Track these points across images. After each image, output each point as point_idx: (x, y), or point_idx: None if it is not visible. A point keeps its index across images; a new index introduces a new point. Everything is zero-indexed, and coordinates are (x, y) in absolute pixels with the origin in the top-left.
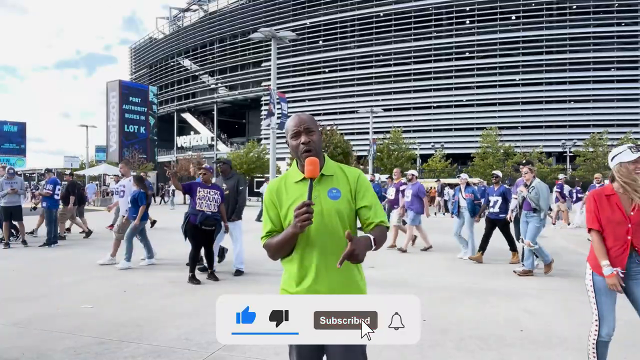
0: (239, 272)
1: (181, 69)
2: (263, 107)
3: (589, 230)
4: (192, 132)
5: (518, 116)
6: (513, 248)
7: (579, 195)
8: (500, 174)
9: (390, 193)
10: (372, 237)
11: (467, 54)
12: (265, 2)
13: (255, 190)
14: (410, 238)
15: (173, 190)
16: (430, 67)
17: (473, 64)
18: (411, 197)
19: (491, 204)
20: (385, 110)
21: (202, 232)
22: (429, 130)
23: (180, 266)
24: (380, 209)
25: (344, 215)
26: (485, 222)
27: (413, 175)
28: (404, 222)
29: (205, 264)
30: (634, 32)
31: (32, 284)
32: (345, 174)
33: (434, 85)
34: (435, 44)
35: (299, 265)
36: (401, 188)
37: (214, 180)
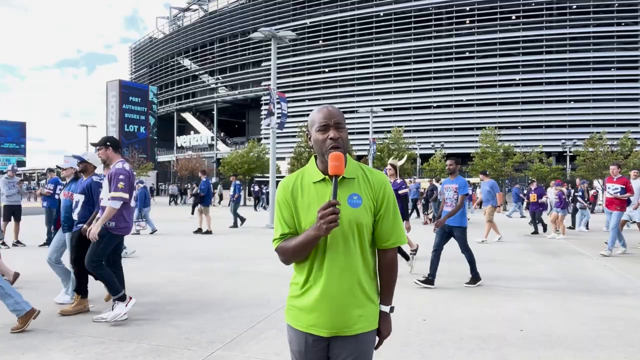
0: None
1: (181, 69)
2: (263, 107)
3: None
4: (192, 132)
5: (518, 116)
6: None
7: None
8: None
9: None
10: (388, 308)
11: (467, 54)
12: (265, 2)
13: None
14: None
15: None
16: (430, 67)
17: (473, 64)
18: None
19: None
20: (385, 110)
21: None
22: (429, 130)
23: (181, 266)
24: (400, 226)
25: (362, 226)
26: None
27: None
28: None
29: None
30: (634, 32)
31: (31, 284)
32: (368, 178)
33: (434, 85)
34: (435, 44)
35: (309, 273)
36: None
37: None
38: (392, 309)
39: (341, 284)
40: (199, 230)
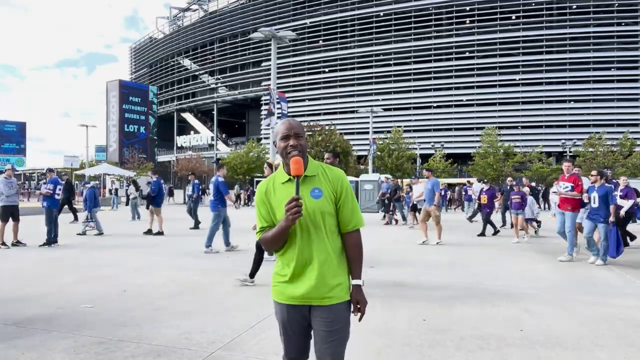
0: None
1: (181, 69)
2: (263, 107)
3: None
4: (192, 132)
5: (518, 116)
6: None
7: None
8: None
9: None
10: (361, 282)
11: (467, 54)
12: (265, 2)
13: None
14: None
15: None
16: (430, 67)
17: (473, 64)
18: None
19: None
20: (385, 110)
21: None
22: (429, 130)
23: (181, 266)
24: (358, 212)
25: (325, 213)
26: None
27: None
28: None
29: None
30: (634, 32)
31: (32, 284)
32: (327, 175)
33: (434, 85)
34: (435, 44)
35: (289, 256)
36: None
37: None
38: (363, 282)
39: (315, 263)
40: (149, 232)
